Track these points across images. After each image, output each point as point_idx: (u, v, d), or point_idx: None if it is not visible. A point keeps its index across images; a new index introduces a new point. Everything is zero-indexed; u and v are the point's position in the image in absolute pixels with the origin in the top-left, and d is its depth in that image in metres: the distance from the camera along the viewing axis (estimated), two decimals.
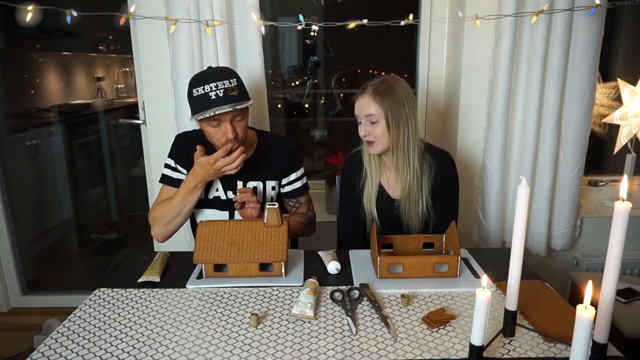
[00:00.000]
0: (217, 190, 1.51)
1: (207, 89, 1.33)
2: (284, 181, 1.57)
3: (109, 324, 1.02)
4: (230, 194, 1.50)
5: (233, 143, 1.38)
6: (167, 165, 1.52)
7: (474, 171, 2.00)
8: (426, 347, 0.93)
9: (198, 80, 1.37)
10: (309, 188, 1.63)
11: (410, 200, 1.47)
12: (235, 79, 1.38)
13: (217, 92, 1.33)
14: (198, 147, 1.39)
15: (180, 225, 1.48)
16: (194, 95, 1.36)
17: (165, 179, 1.51)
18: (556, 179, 1.94)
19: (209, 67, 1.45)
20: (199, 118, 1.34)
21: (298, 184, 1.58)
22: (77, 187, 2.81)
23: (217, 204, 1.50)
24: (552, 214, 1.99)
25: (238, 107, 1.34)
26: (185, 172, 1.49)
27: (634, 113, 1.96)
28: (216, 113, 1.32)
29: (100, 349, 0.93)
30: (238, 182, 1.50)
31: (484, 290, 0.77)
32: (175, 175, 1.51)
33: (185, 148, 1.50)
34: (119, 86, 3.49)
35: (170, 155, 1.53)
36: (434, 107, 2.13)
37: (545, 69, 1.80)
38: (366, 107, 1.41)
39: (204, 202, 1.50)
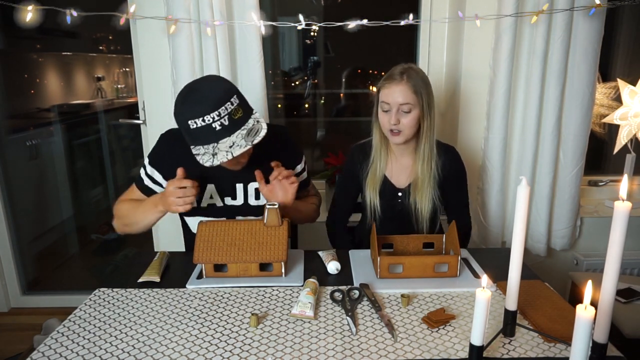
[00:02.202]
0: (211, 197, 1.38)
1: (209, 120, 1.13)
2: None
3: (109, 324, 1.02)
4: (228, 200, 1.39)
5: (193, 183, 1.22)
6: (144, 166, 1.39)
7: (474, 171, 2.00)
8: (426, 347, 0.93)
9: (191, 107, 1.15)
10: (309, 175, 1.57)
11: (425, 189, 1.47)
12: (235, 96, 1.18)
13: (222, 120, 1.14)
14: (179, 171, 1.23)
15: (139, 232, 1.39)
16: (192, 127, 1.15)
17: (137, 181, 1.41)
18: (556, 179, 1.95)
19: (196, 83, 1.22)
20: (214, 164, 1.15)
21: (304, 175, 1.50)
22: (77, 187, 2.81)
23: (213, 212, 1.39)
24: (552, 214, 1.99)
25: (257, 141, 1.17)
26: (161, 180, 1.37)
27: (634, 113, 1.96)
28: (234, 155, 1.15)
29: (100, 349, 0.93)
30: (237, 185, 1.39)
31: (484, 290, 0.77)
32: (146, 180, 1.39)
33: (168, 152, 1.36)
34: (119, 86, 3.50)
35: (150, 157, 1.39)
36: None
37: (545, 69, 1.80)
38: (402, 95, 1.37)
39: (197, 211, 1.37)
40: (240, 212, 1.41)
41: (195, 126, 1.15)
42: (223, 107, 1.14)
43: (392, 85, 1.39)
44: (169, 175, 1.32)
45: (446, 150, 1.51)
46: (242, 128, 1.18)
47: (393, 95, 1.39)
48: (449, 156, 1.50)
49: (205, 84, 1.21)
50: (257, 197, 1.41)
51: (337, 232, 1.64)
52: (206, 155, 1.17)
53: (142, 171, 1.40)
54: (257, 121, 1.22)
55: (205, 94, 1.15)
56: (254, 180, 1.35)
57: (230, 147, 1.16)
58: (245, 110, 1.21)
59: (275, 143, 1.38)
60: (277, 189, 1.31)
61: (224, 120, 1.15)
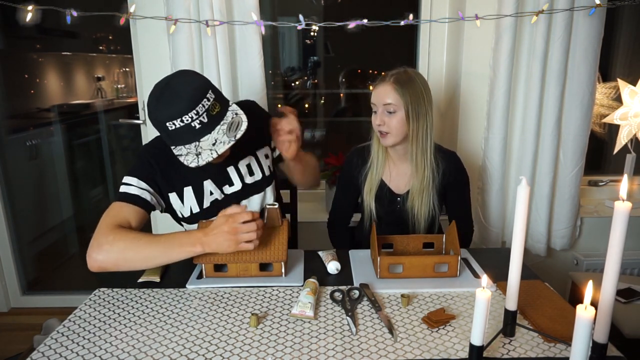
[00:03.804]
0: (211, 193, 1.32)
1: (187, 120, 1.08)
2: (273, 143, 1.41)
3: (109, 324, 1.02)
4: (227, 189, 1.34)
5: (254, 214, 1.16)
6: (125, 184, 1.23)
7: (474, 171, 2.00)
8: (426, 347, 0.93)
9: (168, 108, 1.09)
10: None
11: (423, 196, 1.46)
12: (210, 90, 1.13)
13: (201, 118, 1.09)
14: (236, 209, 1.15)
15: (136, 270, 1.20)
16: (170, 129, 1.10)
17: (122, 196, 1.22)
18: (556, 179, 1.95)
19: (169, 81, 1.13)
20: (200, 164, 1.11)
21: None
22: (77, 187, 2.81)
23: (217, 208, 1.26)
24: (552, 214, 1.99)
25: (239, 135, 1.12)
26: (149, 188, 1.24)
27: (634, 113, 1.96)
28: (219, 153, 1.11)
29: (100, 349, 0.93)
30: (228, 169, 1.34)
31: (484, 290, 0.77)
32: (135, 190, 1.22)
33: (154, 163, 1.26)
34: (119, 86, 3.49)
35: (134, 172, 1.24)
36: (434, 107, 2.11)
37: (545, 69, 1.80)
38: (386, 95, 1.39)
39: (202, 214, 1.32)
40: (243, 195, 1.37)
41: (173, 127, 1.10)
42: (200, 105, 1.09)
43: (378, 86, 1.42)
44: (159, 187, 1.28)
45: (447, 156, 1.50)
46: (222, 123, 1.14)
47: (377, 96, 1.41)
48: (450, 163, 1.49)
49: (178, 81, 1.14)
50: (251, 173, 1.37)
51: (338, 232, 1.65)
52: (190, 156, 1.13)
53: (124, 187, 1.23)
54: (236, 113, 1.17)
55: (179, 93, 1.10)
56: (242, 157, 1.34)
57: (213, 144, 1.12)
58: (221, 103, 1.16)
59: (248, 118, 1.25)
60: (280, 144, 1.28)
61: (203, 117, 1.10)
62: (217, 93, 1.17)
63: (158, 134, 1.19)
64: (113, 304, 1.11)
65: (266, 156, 1.41)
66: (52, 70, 3.04)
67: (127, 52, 2.01)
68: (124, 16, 1.72)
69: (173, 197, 1.31)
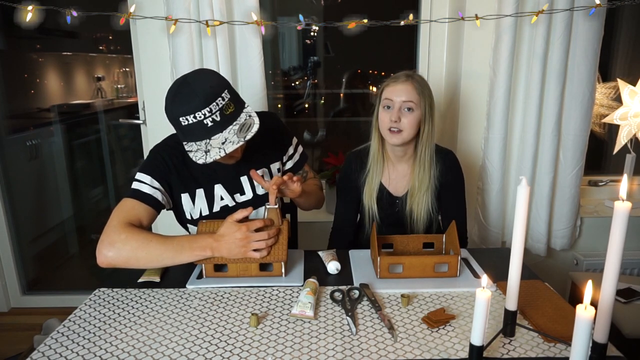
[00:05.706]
0: (221, 198, 1.34)
1: (200, 116, 1.11)
2: (284, 158, 1.46)
3: (109, 324, 1.02)
4: (238, 197, 1.36)
5: (265, 221, 1.19)
6: (138, 181, 1.24)
7: (474, 171, 2.00)
8: (426, 347, 0.93)
9: (182, 104, 1.12)
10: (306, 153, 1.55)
11: (421, 196, 1.46)
12: (226, 90, 1.15)
13: (213, 116, 1.12)
14: (242, 213, 1.18)
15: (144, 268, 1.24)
16: (183, 124, 1.13)
17: (134, 193, 1.22)
18: (556, 179, 1.95)
19: (186, 78, 1.17)
20: (207, 161, 1.13)
21: (297, 156, 1.49)
22: (77, 187, 2.81)
23: (227, 214, 1.24)
24: (552, 214, 1.99)
25: (249, 137, 1.15)
26: (161, 188, 1.26)
27: (634, 113, 1.96)
28: (227, 152, 1.13)
29: (100, 349, 0.93)
30: (241, 178, 1.36)
31: (484, 290, 0.77)
32: (146, 188, 1.23)
33: (171, 165, 1.28)
34: (119, 86, 3.49)
35: (147, 172, 1.25)
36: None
37: (545, 69, 1.80)
38: (407, 93, 1.38)
39: (213, 217, 1.32)
40: (253, 205, 1.33)
41: (186, 123, 1.13)
42: (214, 103, 1.12)
43: (398, 84, 1.41)
44: (171, 187, 1.29)
45: (445, 155, 1.50)
46: (234, 123, 1.16)
47: (397, 92, 1.40)
48: (447, 161, 1.49)
49: (196, 78, 1.16)
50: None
51: (343, 243, 1.58)
52: (199, 152, 1.15)
53: (137, 184, 1.24)
54: (249, 115, 1.19)
55: (195, 90, 1.12)
56: (256, 169, 1.32)
57: (223, 143, 1.14)
58: (236, 104, 1.18)
59: (265, 130, 1.30)
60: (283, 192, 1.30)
61: (216, 116, 1.12)
62: (234, 94, 1.19)
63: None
64: (113, 304, 1.11)
65: (278, 170, 1.44)
66: (52, 70, 3.04)
67: (127, 52, 2.02)
68: (124, 16, 1.72)
69: (185, 197, 1.32)
